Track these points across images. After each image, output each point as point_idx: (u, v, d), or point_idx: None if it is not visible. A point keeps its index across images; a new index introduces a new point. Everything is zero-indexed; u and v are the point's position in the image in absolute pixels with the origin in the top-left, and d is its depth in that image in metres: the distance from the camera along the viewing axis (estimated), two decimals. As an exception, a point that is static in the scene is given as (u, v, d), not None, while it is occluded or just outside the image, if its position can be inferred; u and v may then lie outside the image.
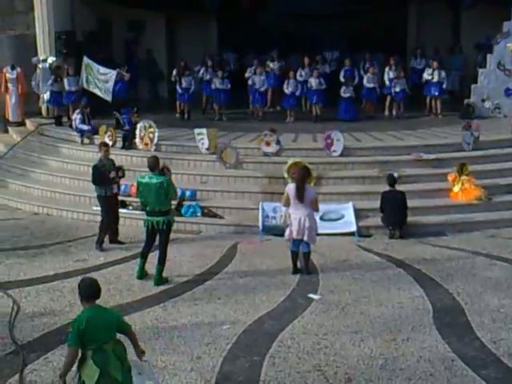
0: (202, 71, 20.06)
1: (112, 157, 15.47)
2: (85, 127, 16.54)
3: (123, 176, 12.07)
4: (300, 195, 9.99)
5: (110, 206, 11.81)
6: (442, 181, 13.80)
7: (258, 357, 7.32)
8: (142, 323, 8.32)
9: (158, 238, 10.01)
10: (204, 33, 24.39)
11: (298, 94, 18.98)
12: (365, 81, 19.11)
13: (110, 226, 11.89)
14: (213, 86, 19.23)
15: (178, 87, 19.23)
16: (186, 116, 19.24)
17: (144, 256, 10.11)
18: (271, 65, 20.36)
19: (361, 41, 22.13)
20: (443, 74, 18.75)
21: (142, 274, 10.07)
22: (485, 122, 16.47)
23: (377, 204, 12.69)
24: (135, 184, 10.44)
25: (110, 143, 15.96)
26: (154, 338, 7.88)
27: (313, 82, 18.60)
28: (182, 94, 19.16)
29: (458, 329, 8.07)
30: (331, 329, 8.10)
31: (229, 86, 19.04)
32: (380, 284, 9.72)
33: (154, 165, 9.88)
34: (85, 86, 17.47)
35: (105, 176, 11.58)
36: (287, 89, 18.76)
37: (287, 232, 10.27)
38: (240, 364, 7.19)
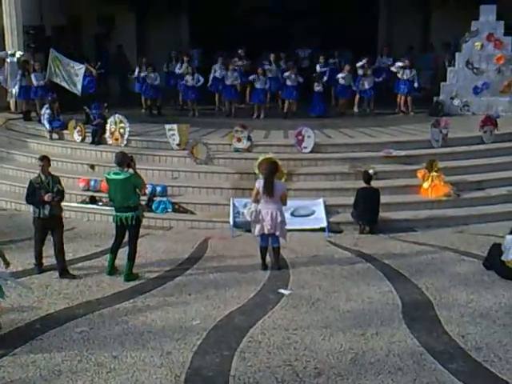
0: (177, 67, 20.02)
1: (82, 152, 15.58)
2: (48, 126, 16.34)
3: (61, 200, 10.07)
4: (269, 190, 9.99)
5: (42, 230, 10.08)
6: (412, 177, 13.92)
7: (228, 352, 7.31)
8: (112, 319, 8.25)
9: (127, 233, 9.93)
10: (175, 28, 24.30)
11: (267, 89, 19.08)
12: (340, 79, 19.12)
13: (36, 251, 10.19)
14: (184, 82, 19.25)
15: (138, 83, 19.53)
16: (154, 111, 19.25)
17: (114, 252, 10.03)
18: (239, 62, 20.33)
19: (332, 39, 22.21)
20: (414, 72, 18.88)
21: (112, 270, 9.99)
22: (453, 120, 16.64)
23: (347, 200, 12.78)
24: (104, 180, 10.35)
25: (80, 138, 15.94)
26: (123, 334, 7.82)
27: (289, 78, 18.61)
28: (146, 90, 19.32)
29: (427, 323, 8.14)
30: (301, 324, 8.11)
31: (200, 82, 19.04)
32: (350, 279, 9.77)
33: (121, 160, 9.76)
34: (53, 79, 17.30)
35: (37, 196, 9.82)
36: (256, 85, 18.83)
37: (257, 228, 10.22)
38: (210, 359, 7.16)
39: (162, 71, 20.24)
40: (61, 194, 10.01)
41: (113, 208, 10.03)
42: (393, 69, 19.15)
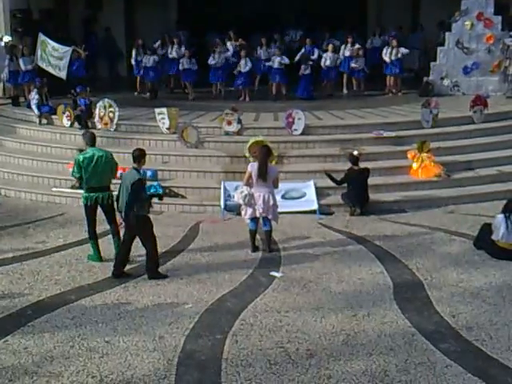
0: (169, 50, 19.88)
1: (71, 137, 15.50)
2: (37, 111, 16.27)
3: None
4: (263, 174, 9.95)
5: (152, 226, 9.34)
6: (402, 158, 13.92)
7: (220, 335, 7.33)
8: (104, 304, 8.25)
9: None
10: (163, 10, 24.09)
11: (259, 73, 19.04)
12: (323, 60, 19.04)
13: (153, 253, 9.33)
14: (181, 67, 19.19)
15: (137, 66, 19.17)
16: (155, 95, 19.18)
17: (94, 237, 9.88)
18: (228, 44, 20.18)
19: (322, 19, 22.08)
20: (403, 50, 18.73)
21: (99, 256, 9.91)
22: (444, 100, 16.64)
23: (338, 182, 12.78)
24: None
25: (69, 123, 15.86)
26: (115, 319, 7.82)
27: (275, 60, 18.51)
28: (147, 73, 19.29)
29: (418, 304, 8.18)
30: (293, 306, 8.14)
31: (195, 66, 19.13)
32: (341, 261, 9.79)
33: (93, 140, 9.80)
34: (39, 63, 17.18)
35: (145, 192, 9.22)
36: (241, 68, 18.68)
37: (249, 212, 10.17)
38: (202, 343, 7.18)
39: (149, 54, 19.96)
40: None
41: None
42: (384, 57, 18.96)
